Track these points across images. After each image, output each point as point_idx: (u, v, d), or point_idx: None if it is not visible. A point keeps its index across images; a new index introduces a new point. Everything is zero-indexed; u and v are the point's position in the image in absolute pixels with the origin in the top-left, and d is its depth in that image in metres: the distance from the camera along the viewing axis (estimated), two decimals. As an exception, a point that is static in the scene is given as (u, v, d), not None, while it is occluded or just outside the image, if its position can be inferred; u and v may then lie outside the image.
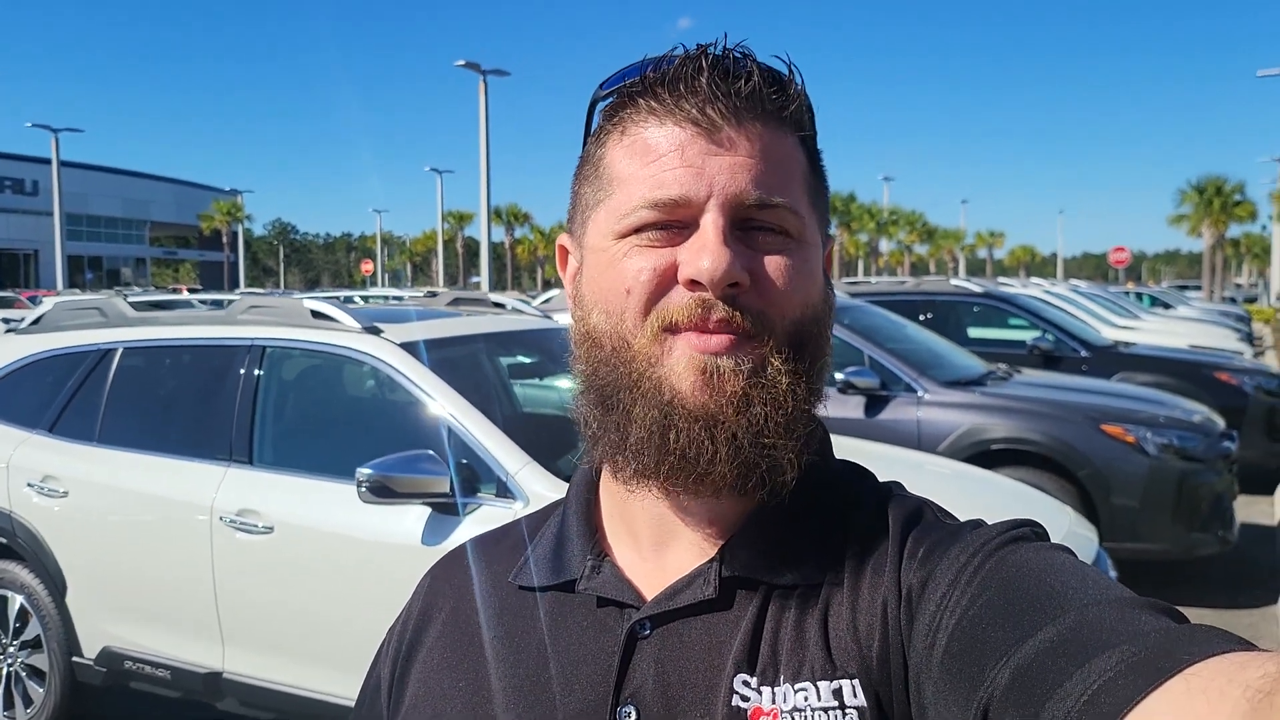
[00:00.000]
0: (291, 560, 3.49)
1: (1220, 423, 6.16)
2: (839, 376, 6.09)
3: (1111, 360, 8.76)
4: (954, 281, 10.39)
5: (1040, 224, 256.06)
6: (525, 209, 71.79)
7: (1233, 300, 44.94)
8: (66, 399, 4.24)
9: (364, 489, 3.20)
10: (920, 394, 6.08)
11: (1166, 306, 21.75)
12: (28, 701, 4.17)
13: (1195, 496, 5.51)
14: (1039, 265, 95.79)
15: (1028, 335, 9.11)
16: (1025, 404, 5.95)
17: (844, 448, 4.58)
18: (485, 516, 3.21)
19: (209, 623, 3.68)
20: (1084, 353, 8.86)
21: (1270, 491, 8.07)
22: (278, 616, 3.55)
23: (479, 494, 3.27)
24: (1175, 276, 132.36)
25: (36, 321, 4.68)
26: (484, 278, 28.69)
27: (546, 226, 77.09)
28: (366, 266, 59.81)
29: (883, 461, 4.18)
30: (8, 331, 4.74)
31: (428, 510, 3.29)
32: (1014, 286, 12.87)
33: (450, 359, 3.76)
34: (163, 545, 3.77)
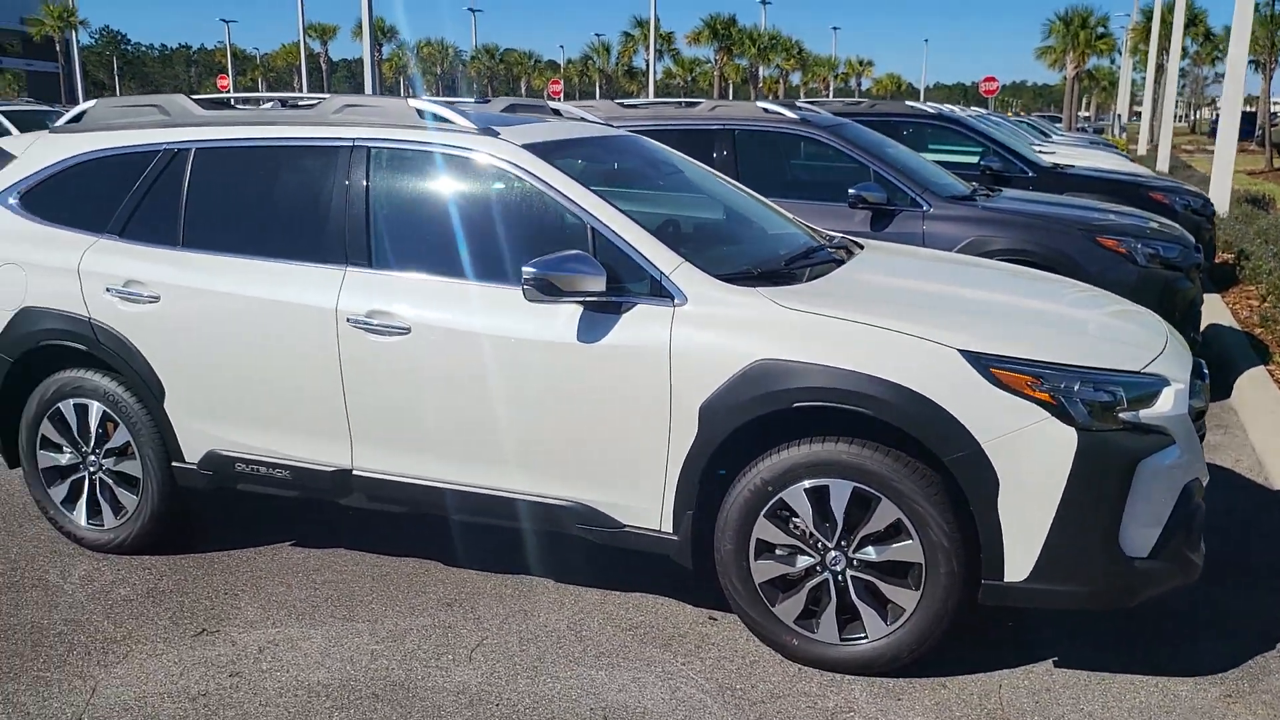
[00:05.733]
0: (433, 360, 3.54)
1: (1190, 236, 6.70)
2: (851, 191, 6.29)
3: (1055, 180, 9.20)
4: (909, 104, 10.60)
5: (907, 53, 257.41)
6: (390, 23, 67.69)
7: (1084, 130, 46.97)
8: (135, 203, 4.05)
9: (529, 287, 3.26)
10: (925, 208, 6.36)
11: (1045, 136, 22.67)
12: (117, 508, 4.15)
13: (1174, 302, 6.06)
14: (905, 94, 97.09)
15: (972, 158, 9.45)
16: (1022, 218, 6.32)
17: (945, 255, 4.68)
18: (643, 314, 3.33)
19: (336, 423, 3.72)
20: (1030, 173, 9.27)
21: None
22: (416, 415, 3.61)
23: (632, 294, 3.36)
24: (1021, 108, 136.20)
25: (77, 119, 4.37)
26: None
27: (413, 42, 73.16)
28: (223, 81, 55.69)
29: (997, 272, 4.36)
30: (50, 131, 4.38)
31: (578, 310, 3.37)
32: (956, 110, 13.20)
33: (571, 162, 3.76)
34: (278, 348, 3.74)
